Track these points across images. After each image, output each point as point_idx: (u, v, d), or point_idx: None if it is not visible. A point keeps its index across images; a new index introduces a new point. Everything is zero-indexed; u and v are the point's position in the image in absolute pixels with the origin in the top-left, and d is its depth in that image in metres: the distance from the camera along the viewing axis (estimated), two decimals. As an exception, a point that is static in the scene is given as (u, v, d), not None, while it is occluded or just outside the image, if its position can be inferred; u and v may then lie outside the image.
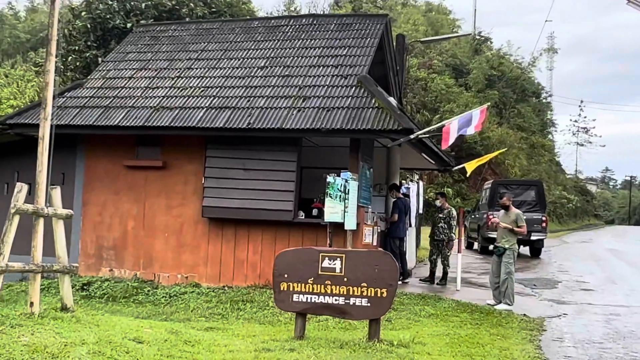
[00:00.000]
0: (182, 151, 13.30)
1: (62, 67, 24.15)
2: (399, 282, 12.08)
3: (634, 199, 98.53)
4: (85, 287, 12.50)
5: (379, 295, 7.63)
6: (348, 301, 7.72)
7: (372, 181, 13.36)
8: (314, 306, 7.86)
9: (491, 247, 15.93)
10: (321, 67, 13.98)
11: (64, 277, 7.38)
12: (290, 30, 15.87)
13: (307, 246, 10.60)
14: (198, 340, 7.42)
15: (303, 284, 7.85)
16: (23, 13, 62.31)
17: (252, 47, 15.31)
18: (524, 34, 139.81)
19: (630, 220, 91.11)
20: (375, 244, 12.97)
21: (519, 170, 47.43)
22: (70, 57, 24.87)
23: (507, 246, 11.68)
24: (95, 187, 13.79)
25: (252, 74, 14.11)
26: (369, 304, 7.65)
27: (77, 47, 25.10)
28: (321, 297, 7.80)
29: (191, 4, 25.30)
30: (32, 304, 6.80)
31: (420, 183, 20.48)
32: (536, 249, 23.29)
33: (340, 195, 11.22)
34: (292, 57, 14.59)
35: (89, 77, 15.57)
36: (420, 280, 14.60)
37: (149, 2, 24.94)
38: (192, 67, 14.86)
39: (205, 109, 13.00)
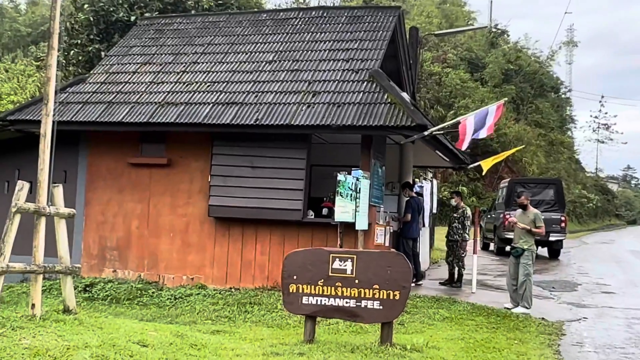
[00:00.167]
0: (187, 148, 13.33)
1: (64, 61, 24.24)
2: (412, 284, 12.05)
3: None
4: (87, 289, 12.55)
5: (391, 297, 7.61)
6: (359, 304, 7.70)
7: (384, 179, 13.34)
8: (324, 309, 7.85)
9: (508, 248, 15.87)
10: (331, 61, 13.97)
11: (66, 278, 7.41)
12: (300, 23, 15.87)
13: (316, 247, 10.62)
14: (204, 343, 7.43)
15: (313, 286, 7.84)
16: (24, 6, 62.54)
17: (260, 41, 15.31)
18: (542, 27, 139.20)
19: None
20: (387, 244, 12.97)
21: (537, 168, 47.23)
22: (72, 51, 24.94)
23: (525, 247, 11.63)
24: (98, 185, 13.84)
25: (260, 69, 14.12)
26: (381, 307, 7.64)
27: (79, 41, 25.16)
28: (331, 299, 7.79)
29: (197, -4, 25.34)
30: (33, 305, 6.83)
31: (434, 181, 20.42)
32: (555, 250, 23.20)
33: (351, 194, 11.21)
34: (301, 51, 14.59)
35: (91, 72, 15.64)
36: (440, 283, 14.57)
37: (154, -6, 25.00)
38: (198, 61, 14.88)
39: (211, 104, 13.01)
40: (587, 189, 59.99)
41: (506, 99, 15.04)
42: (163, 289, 12.61)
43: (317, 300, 7.83)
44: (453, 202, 15.03)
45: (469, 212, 14.61)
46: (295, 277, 7.93)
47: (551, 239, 21.78)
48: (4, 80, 32.09)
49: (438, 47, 53.56)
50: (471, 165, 17.43)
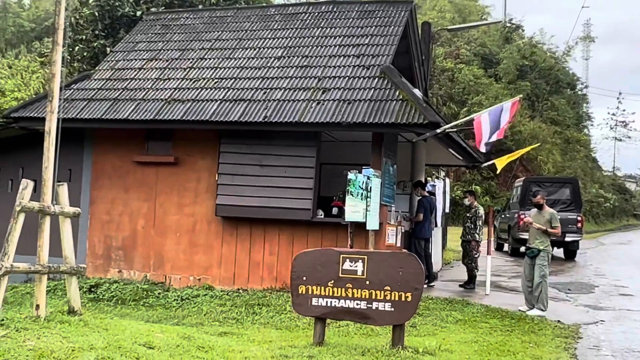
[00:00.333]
0: (194, 146, 13.36)
1: (68, 57, 24.32)
2: (425, 286, 12.04)
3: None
4: (93, 289, 12.60)
5: (403, 299, 7.60)
6: (370, 305, 7.69)
7: (395, 178, 13.32)
8: (334, 311, 7.85)
9: (523, 248, 15.81)
10: (342, 57, 13.96)
11: (71, 278, 7.44)
12: (309, 18, 15.87)
13: (326, 247, 10.62)
14: (212, 345, 7.44)
15: (322, 287, 7.84)
16: (27, 1, 62.79)
17: (269, 36, 15.33)
18: (558, 22, 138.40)
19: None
20: (399, 245, 12.95)
21: (553, 166, 47.08)
22: (77, 47, 25.04)
23: (541, 248, 11.59)
24: (104, 184, 13.89)
25: (268, 65, 14.13)
26: (392, 309, 7.62)
27: (84, 37, 25.25)
28: (342, 301, 7.78)
29: (204, -9, 25.39)
30: (37, 306, 6.86)
31: (447, 180, 20.39)
32: (571, 251, 23.08)
33: (362, 193, 11.20)
34: (311, 47, 14.58)
35: (97, 68, 15.70)
36: (460, 285, 14.47)
37: (160, -11, 25.05)
38: (205, 57, 14.91)
39: (219, 101, 13.03)
40: (604, 188, 59.65)
41: (521, 95, 14.95)
42: (169, 289, 12.65)
43: (327, 302, 7.83)
44: (466, 201, 14.97)
45: (481, 211, 14.55)
46: (304, 278, 7.93)
47: (567, 239, 21.67)
48: (8, 77, 32.22)
49: (451, 43, 53.51)
50: (485, 164, 17.36)
